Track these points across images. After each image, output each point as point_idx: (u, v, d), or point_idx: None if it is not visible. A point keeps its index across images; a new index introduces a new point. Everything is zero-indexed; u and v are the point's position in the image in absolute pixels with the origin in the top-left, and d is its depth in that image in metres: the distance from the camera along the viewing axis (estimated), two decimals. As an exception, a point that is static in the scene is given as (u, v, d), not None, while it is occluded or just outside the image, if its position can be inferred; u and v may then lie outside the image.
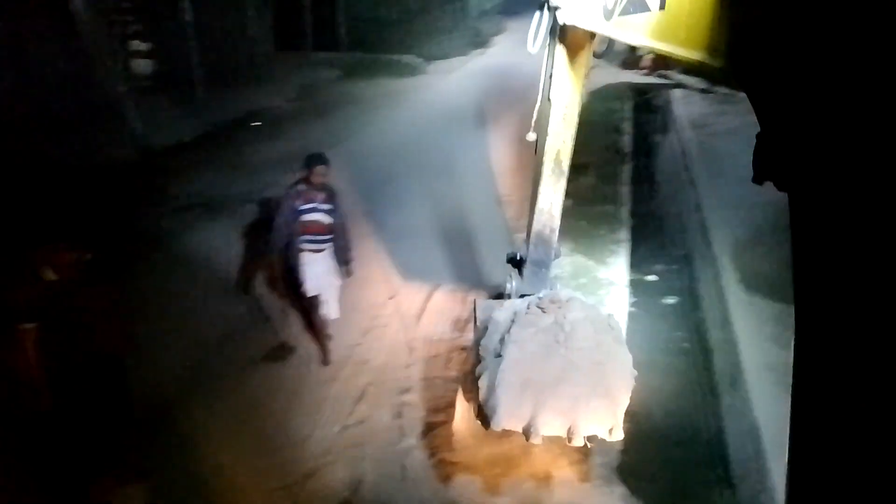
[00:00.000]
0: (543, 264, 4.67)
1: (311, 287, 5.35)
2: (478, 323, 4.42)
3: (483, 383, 3.69)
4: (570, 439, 3.56)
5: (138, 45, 12.50)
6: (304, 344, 5.71)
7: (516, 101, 13.80)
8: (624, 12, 2.29)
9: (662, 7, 1.91)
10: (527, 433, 3.53)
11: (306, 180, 5.17)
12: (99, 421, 4.06)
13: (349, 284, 5.70)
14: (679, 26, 1.80)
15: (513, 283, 4.75)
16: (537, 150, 4.29)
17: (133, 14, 12.24)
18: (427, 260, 7.07)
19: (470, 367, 4.28)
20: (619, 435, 3.64)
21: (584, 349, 3.71)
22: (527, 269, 4.69)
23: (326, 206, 5.23)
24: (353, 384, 5.28)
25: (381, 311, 6.31)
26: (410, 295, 6.53)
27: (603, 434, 3.63)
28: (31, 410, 3.93)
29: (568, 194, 4.45)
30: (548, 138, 4.14)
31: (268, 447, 4.62)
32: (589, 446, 3.84)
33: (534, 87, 4.04)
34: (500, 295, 4.88)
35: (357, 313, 6.14)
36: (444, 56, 18.52)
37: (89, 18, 9.91)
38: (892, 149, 1.04)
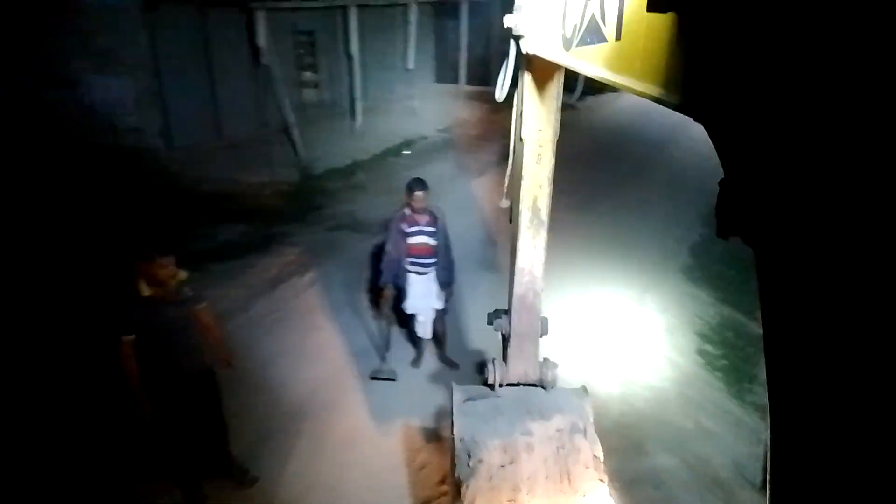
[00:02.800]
0: (529, 338, 4.04)
1: (409, 305, 5.55)
2: (454, 414, 3.96)
3: None
4: None
5: (309, 76, 13.58)
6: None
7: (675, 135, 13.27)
8: (582, 42, 2.15)
9: (619, 38, 1.76)
10: None
11: (409, 205, 5.33)
12: (198, 430, 4.26)
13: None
14: (635, 57, 1.64)
15: (495, 368, 4.07)
16: (512, 214, 3.85)
17: (307, 47, 13.35)
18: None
19: (449, 469, 4.01)
20: None
21: (559, 499, 3.51)
22: (511, 345, 4.07)
23: (430, 229, 5.36)
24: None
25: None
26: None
27: None
28: (133, 417, 4.10)
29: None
30: (522, 183, 3.68)
31: (378, 470, 4.70)
32: None
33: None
34: (482, 368, 4.27)
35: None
36: (599, 91, 18.32)
37: (272, 52, 10.89)
38: (876, 201, 0.84)
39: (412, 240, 5.36)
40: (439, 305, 5.58)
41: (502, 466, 3.58)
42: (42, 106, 8.98)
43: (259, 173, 10.18)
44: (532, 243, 3.84)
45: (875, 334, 0.86)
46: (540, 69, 3.38)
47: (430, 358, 5.90)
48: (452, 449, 3.84)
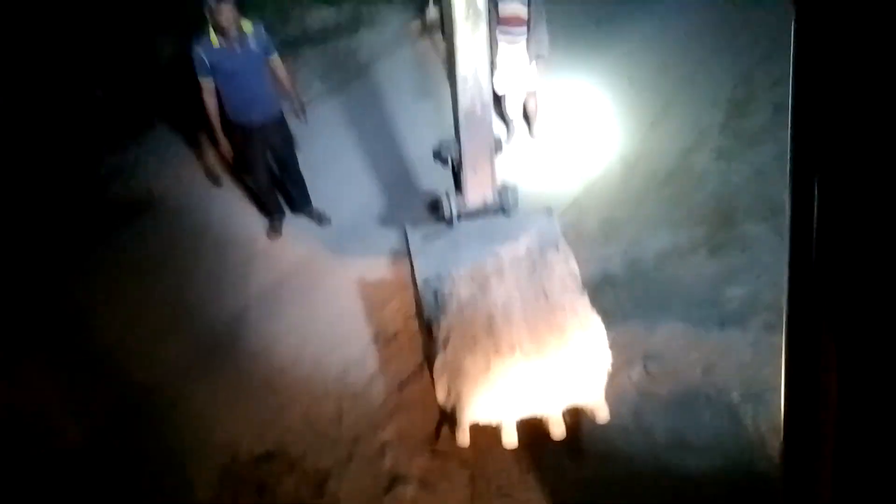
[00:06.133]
0: (482, 159, 3.53)
1: (498, 85, 5.08)
2: (411, 255, 3.70)
3: (440, 384, 3.20)
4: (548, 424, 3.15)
5: None
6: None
7: None
8: None
9: None
10: (500, 429, 3.15)
11: None
12: None
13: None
14: None
15: (449, 201, 3.67)
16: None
17: None
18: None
19: (417, 316, 3.77)
20: (603, 414, 3.13)
21: (538, 318, 3.21)
22: (463, 172, 3.59)
23: None
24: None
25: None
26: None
27: (583, 403, 3.17)
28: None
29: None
30: None
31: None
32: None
33: None
34: (435, 205, 3.92)
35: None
36: None
37: None
38: None
39: (503, 8, 5.02)
40: (530, 85, 5.41)
41: (473, 296, 3.33)
42: None
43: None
44: (471, 41, 3.20)
45: None
46: None
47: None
48: (416, 293, 3.59)
